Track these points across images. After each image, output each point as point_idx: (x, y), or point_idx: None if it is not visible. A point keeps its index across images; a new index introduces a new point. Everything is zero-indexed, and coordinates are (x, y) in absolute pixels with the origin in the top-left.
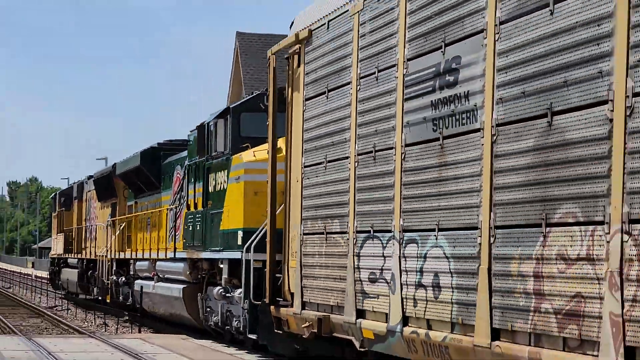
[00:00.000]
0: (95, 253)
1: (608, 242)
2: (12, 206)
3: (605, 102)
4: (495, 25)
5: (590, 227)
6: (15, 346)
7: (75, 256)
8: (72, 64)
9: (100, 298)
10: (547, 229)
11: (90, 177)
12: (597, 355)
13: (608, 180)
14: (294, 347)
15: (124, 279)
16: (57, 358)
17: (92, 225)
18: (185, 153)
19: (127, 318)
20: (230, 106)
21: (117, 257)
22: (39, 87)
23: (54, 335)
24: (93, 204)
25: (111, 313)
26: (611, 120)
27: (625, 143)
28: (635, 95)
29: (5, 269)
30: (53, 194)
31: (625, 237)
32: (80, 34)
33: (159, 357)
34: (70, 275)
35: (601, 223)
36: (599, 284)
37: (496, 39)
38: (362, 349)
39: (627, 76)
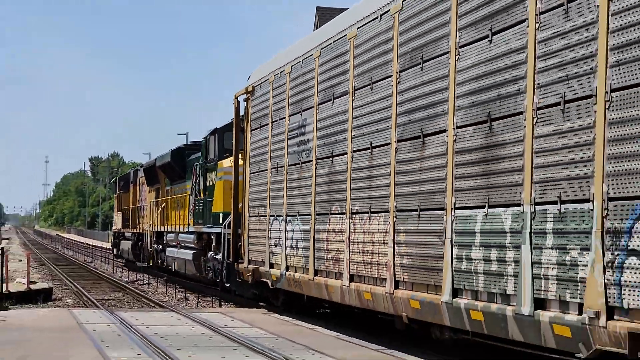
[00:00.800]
0: (143, 228)
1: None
2: (94, 181)
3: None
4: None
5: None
6: (98, 319)
7: (130, 230)
8: (152, 44)
9: (146, 263)
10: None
11: (141, 166)
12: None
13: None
14: (250, 289)
15: (160, 247)
16: (139, 331)
17: (142, 206)
18: (200, 153)
19: (166, 280)
20: (217, 127)
21: (157, 230)
22: (122, 65)
23: (136, 309)
24: (144, 188)
25: (153, 275)
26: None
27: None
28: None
29: (88, 244)
30: (114, 179)
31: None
32: (155, 14)
33: (238, 331)
34: (126, 245)
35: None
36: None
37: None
38: (271, 287)
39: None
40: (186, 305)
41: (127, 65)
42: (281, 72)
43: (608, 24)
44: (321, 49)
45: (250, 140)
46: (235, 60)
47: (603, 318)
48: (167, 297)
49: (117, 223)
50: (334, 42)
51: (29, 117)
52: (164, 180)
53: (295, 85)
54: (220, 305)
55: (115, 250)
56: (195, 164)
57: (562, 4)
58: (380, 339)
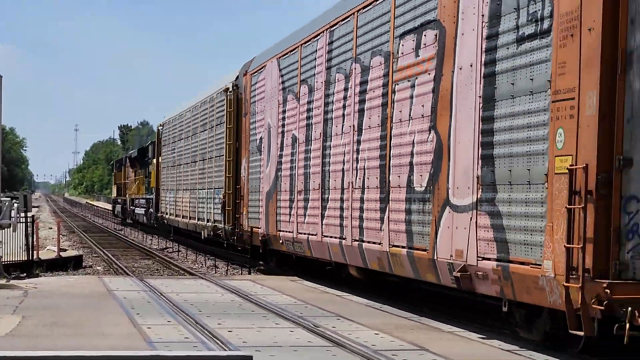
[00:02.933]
0: (127, 195)
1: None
2: (123, 149)
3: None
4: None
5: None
6: (128, 287)
7: (121, 198)
8: (184, 14)
9: (128, 219)
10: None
11: (128, 154)
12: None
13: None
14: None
15: (133, 207)
16: (169, 298)
17: (127, 182)
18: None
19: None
20: (153, 141)
21: (132, 197)
22: (154, 34)
23: (165, 276)
24: (129, 169)
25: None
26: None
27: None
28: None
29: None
30: (112, 162)
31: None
32: None
33: (268, 298)
34: (119, 208)
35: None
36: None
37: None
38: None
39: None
40: (216, 272)
41: (159, 33)
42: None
43: None
44: None
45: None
46: (268, 25)
47: None
48: (196, 265)
49: (114, 193)
50: None
51: (58, 85)
52: (137, 165)
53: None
54: (249, 273)
55: (114, 211)
56: (145, 159)
57: None
58: (411, 307)
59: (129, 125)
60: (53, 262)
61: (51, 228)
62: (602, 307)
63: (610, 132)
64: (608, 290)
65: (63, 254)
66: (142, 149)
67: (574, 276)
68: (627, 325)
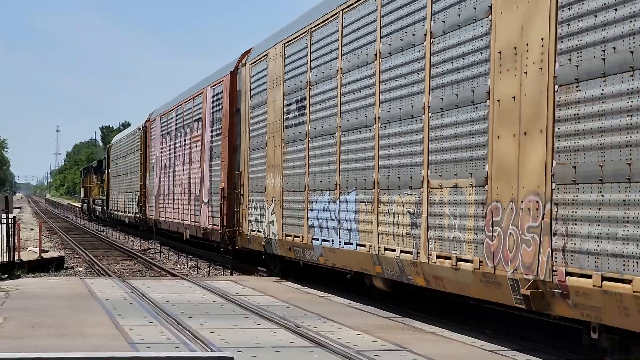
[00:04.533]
0: (91, 197)
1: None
2: (105, 150)
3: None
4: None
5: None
6: (110, 288)
7: (87, 199)
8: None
9: (92, 215)
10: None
11: (92, 164)
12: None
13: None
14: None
15: (95, 207)
16: (151, 299)
17: (91, 186)
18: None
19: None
20: (104, 157)
21: (94, 198)
22: (137, 32)
23: (147, 277)
24: (92, 176)
25: (164, 243)
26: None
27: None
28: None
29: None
30: (81, 169)
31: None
32: None
33: (250, 299)
34: (85, 206)
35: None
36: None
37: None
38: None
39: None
40: (197, 273)
41: (142, 33)
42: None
43: None
44: None
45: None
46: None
47: None
48: (178, 266)
49: (82, 194)
50: None
51: (40, 86)
52: (97, 174)
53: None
54: (231, 274)
55: (82, 208)
56: (102, 169)
57: None
58: (392, 307)
59: (111, 126)
60: (35, 263)
61: (32, 229)
62: None
63: None
64: None
65: (45, 255)
66: (99, 161)
67: None
68: None
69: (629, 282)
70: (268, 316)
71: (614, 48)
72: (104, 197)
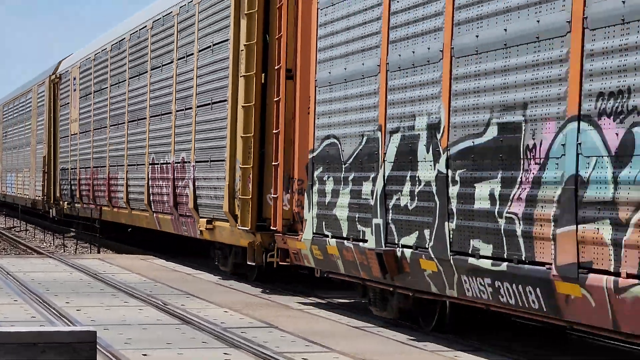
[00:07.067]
0: None
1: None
2: None
3: None
4: None
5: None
6: None
7: None
8: None
9: None
10: None
11: None
12: None
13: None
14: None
15: None
16: (16, 278)
17: None
18: None
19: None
20: None
21: None
22: None
23: (12, 255)
24: None
25: (30, 222)
26: None
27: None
28: None
29: None
30: None
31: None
32: None
33: (117, 277)
34: None
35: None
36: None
37: None
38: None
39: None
40: (64, 251)
41: None
42: None
43: None
44: None
45: None
46: None
47: None
48: (44, 244)
49: None
50: None
51: None
52: None
53: None
54: (98, 252)
55: None
56: None
57: None
58: (260, 285)
59: None
60: None
61: None
62: None
63: None
64: None
65: None
66: None
67: None
68: None
69: None
70: (135, 294)
71: None
72: None
